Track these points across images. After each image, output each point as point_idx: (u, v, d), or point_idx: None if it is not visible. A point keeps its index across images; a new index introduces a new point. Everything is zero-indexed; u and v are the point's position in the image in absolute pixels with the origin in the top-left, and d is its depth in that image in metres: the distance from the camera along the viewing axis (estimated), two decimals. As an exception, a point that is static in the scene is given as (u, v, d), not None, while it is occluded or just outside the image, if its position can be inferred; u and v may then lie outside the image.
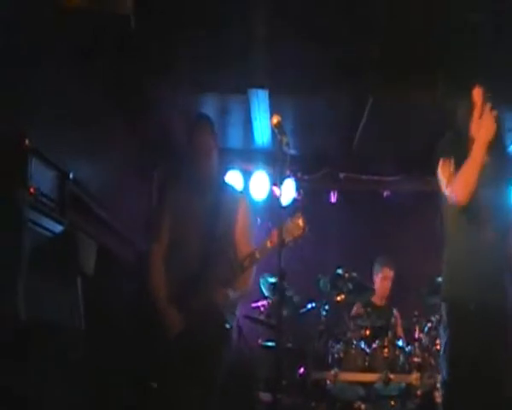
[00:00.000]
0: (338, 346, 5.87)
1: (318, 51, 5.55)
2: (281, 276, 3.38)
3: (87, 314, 3.67)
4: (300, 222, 3.83)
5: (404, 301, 6.80)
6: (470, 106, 3.92)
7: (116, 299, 4.99)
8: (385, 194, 7.70)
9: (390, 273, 6.83)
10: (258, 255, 3.93)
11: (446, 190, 3.89)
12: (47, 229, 3.50)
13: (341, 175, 7.59)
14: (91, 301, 3.82)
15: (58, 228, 3.61)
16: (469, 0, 5.11)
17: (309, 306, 6.00)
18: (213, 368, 3.99)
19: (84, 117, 4.95)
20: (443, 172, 3.92)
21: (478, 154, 3.76)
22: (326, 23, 5.36)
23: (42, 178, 3.50)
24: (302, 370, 5.90)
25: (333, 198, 7.67)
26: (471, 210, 3.81)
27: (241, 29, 5.38)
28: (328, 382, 5.73)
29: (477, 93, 3.90)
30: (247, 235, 4.22)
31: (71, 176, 3.86)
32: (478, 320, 3.70)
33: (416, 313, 6.19)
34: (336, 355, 5.82)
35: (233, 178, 7.19)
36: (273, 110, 6.10)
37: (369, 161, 7.57)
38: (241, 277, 4.00)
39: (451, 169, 3.87)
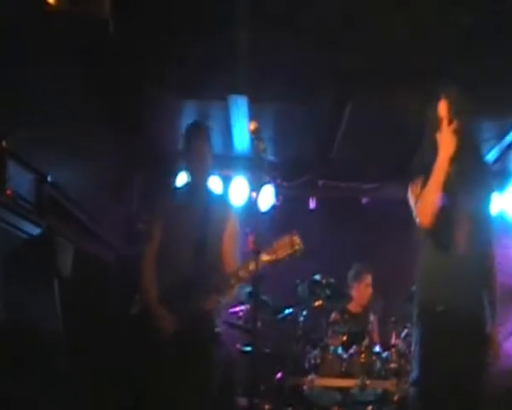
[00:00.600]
0: (315, 351, 5.88)
1: (297, 59, 5.59)
2: (256, 281, 3.40)
3: (65, 316, 3.68)
4: (297, 239, 3.90)
5: (380, 307, 6.82)
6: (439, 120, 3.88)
7: (95, 301, 4.99)
8: (364, 201, 7.73)
9: (369, 279, 6.84)
10: (241, 274, 3.95)
11: (413, 208, 3.91)
12: (24, 231, 3.51)
13: (320, 182, 7.62)
14: (69, 304, 3.82)
15: (36, 231, 3.61)
16: (453, 7, 5.16)
17: (287, 311, 6.00)
18: (207, 369, 4.05)
19: (63, 120, 4.94)
20: (411, 193, 3.95)
21: (438, 172, 3.74)
22: (307, 30, 5.39)
23: (19, 180, 3.51)
24: (279, 375, 5.91)
25: (312, 205, 7.70)
26: (443, 224, 3.79)
27: (222, 36, 5.39)
28: (305, 387, 5.74)
29: (442, 107, 3.86)
30: (232, 248, 4.28)
31: (49, 179, 3.86)
32: (446, 322, 3.72)
33: (393, 319, 6.23)
34: (313, 361, 5.83)
35: (212, 183, 7.19)
36: (252, 117, 6.11)
37: (348, 168, 7.60)
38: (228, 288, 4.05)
39: (418, 190, 3.86)
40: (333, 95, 6.12)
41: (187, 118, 6.67)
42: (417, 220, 3.86)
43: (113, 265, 5.85)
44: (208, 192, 4.42)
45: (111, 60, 5.46)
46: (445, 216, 3.78)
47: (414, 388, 3.89)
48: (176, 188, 4.55)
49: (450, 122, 3.77)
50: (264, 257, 3.84)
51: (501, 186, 7.62)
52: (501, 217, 7.59)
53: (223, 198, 4.58)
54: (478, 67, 5.42)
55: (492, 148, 7.07)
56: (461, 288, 3.76)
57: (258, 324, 5.79)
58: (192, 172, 4.36)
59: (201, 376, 4.01)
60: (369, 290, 6.84)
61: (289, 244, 3.88)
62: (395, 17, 5.20)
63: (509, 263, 7.73)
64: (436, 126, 3.86)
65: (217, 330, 4.21)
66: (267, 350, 6.05)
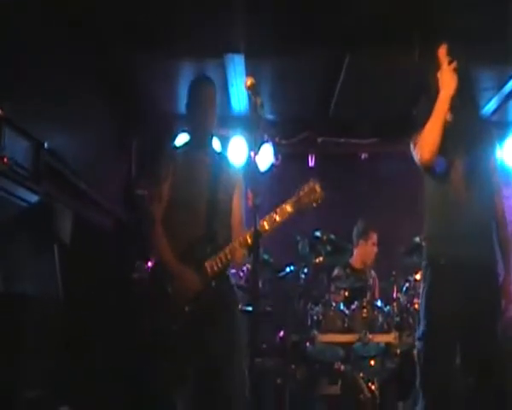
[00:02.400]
0: (317, 308, 5.91)
1: (294, 13, 5.54)
2: (255, 237, 3.38)
3: (66, 283, 3.68)
4: (317, 187, 3.87)
5: (381, 261, 6.85)
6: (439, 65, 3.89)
7: (96, 267, 4.99)
8: (363, 157, 7.71)
9: (375, 238, 6.84)
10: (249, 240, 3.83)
11: (413, 152, 3.95)
12: (22, 199, 3.51)
13: (319, 139, 7.60)
14: (70, 270, 3.82)
15: (33, 198, 3.61)
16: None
17: (287, 269, 6.01)
18: (235, 325, 3.98)
19: (61, 87, 4.92)
20: (413, 142, 3.99)
21: (439, 111, 3.78)
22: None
23: (16, 147, 3.49)
24: (282, 333, 5.94)
25: (311, 162, 7.68)
26: (447, 172, 3.86)
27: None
28: (307, 344, 5.77)
29: (442, 51, 3.87)
30: (241, 208, 4.21)
31: (46, 146, 3.84)
32: (452, 275, 3.76)
33: (394, 273, 6.24)
34: (315, 317, 5.85)
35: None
36: (249, 75, 6.06)
37: (346, 125, 7.58)
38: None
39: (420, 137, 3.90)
40: (329, 51, 6.06)
41: (182, 78, 6.64)
42: (418, 158, 3.89)
43: (113, 230, 5.85)
44: (214, 151, 4.35)
45: (103, 22, 5.42)
46: (445, 165, 3.84)
47: (420, 342, 3.95)
48: (178, 147, 4.44)
49: (450, 62, 3.79)
50: (288, 208, 3.83)
51: (500, 137, 7.59)
52: (501, 167, 7.56)
53: (227, 157, 4.43)
54: (476, 17, 5.37)
55: (491, 98, 7.03)
56: (466, 240, 3.79)
57: (259, 283, 5.86)
58: (196, 130, 4.25)
59: (231, 333, 3.93)
60: (375, 249, 6.84)
61: (311, 192, 3.85)
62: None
63: (508, 213, 7.78)
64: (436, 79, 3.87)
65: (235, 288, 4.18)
66: (269, 309, 6.08)
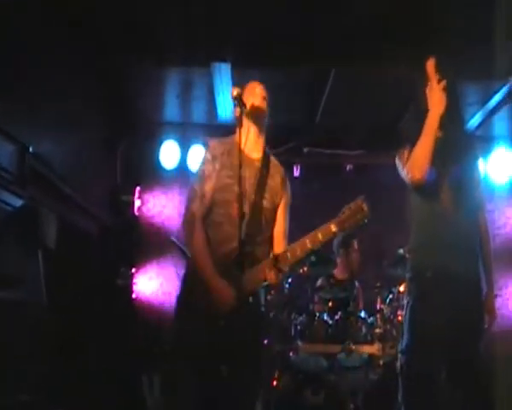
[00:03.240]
0: (301, 318, 5.93)
1: (281, 23, 5.56)
2: (241, 246, 3.34)
3: (50, 288, 3.64)
4: (364, 206, 3.64)
5: (365, 272, 6.86)
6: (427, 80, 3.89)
7: (80, 272, 4.94)
8: (348, 168, 7.72)
9: (356, 245, 6.83)
10: (299, 252, 3.61)
11: (403, 172, 3.89)
12: (6, 203, 3.48)
13: (305, 149, 7.61)
14: (54, 275, 3.79)
15: (18, 202, 3.58)
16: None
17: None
18: (260, 353, 3.82)
19: (47, 92, 4.90)
20: (399, 160, 3.95)
21: (429, 130, 3.75)
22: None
23: (1, 151, 3.48)
24: (266, 342, 5.91)
25: (296, 172, 7.68)
26: (433, 187, 3.84)
27: (203, 2, 5.36)
28: (291, 353, 5.79)
29: (430, 68, 3.86)
30: (285, 222, 3.92)
31: (31, 150, 3.82)
32: (436, 288, 3.74)
33: (378, 284, 6.25)
34: (299, 327, 5.87)
35: (197, 152, 7.17)
36: (236, 84, 6.07)
37: (332, 135, 7.58)
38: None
39: (406, 156, 3.86)
40: (315, 63, 6.08)
41: (169, 86, 6.64)
42: (409, 177, 3.82)
43: (98, 236, 5.81)
44: (265, 157, 3.98)
45: (94, 26, 5.42)
46: (433, 179, 3.81)
47: (403, 356, 3.90)
48: (226, 144, 3.95)
49: (439, 81, 3.79)
50: (333, 228, 3.64)
51: (484, 151, 7.64)
52: (484, 183, 7.62)
53: (280, 166, 4.04)
54: (463, 31, 5.41)
55: (476, 112, 7.08)
56: (452, 253, 3.79)
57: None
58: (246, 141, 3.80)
59: (256, 355, 3.73)
60: (357, 256, 6.82)
61: (357, 211, 3.63)
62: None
63: (492, 227, 7.84)
64: (424, 93, 3.87)
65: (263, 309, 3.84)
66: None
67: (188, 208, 3.79)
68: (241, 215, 3.55)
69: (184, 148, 7.32)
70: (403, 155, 3.92)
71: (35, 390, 3.40)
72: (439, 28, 5.37)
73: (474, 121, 7.25)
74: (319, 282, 6.56)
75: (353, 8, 5.42)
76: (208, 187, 3.76)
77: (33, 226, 3.64)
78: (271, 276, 3.56)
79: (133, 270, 6.47)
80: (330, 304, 6.10)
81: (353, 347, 5.71)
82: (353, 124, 7.35)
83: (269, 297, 5.68)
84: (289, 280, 5.99)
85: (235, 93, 3.44)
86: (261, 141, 3.97)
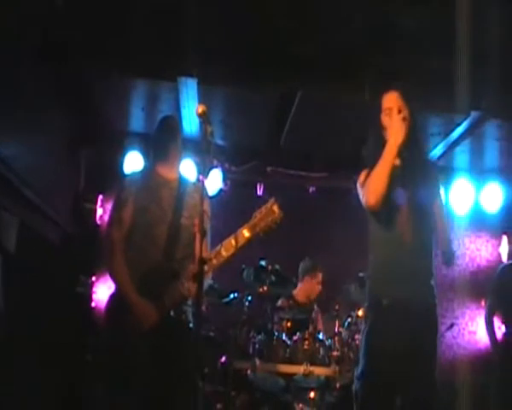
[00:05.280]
0: (260, 337, 5.89)
1: (249, 43, 5.58)
2: (200, 263, 3.33)
3: (8, 293, 3.57)
4: (275, 208, 3.74)
5: (324, 295, 6.87)
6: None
7: (40, 279, 4.87)
8: (311, 190, 7.75)
9: (321, 278, 6.88)
10: (215, 261, 3.79)
11: (359, 191, 3.97)
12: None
13: (268, 168, 7.62)
14: (13, 280, 3.71)
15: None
16: (402, 6, 5.21)
17: (232, 295, 5.97)
18: (188, 358, 3.79)
19: (12, 96, 4.84)
20: (360, 179, 4.00)
21: (387, 158, 3.79)
22: (257, 15, 5.38)
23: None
24: (224, 359, 5.88)
25: (259, 191, 7.69)
26: (389, 213, 3.87)
27: (172, 17, 5.36)
28: (249, 372, 5.74)
29: (391, 98, 3.94)
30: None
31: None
32: (393, 316, 3.76)
33: (337, 307, 6.26)
34: (258, 346, 5.83)
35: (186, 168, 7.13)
36: (202, 100, 6.08)
37: (296, 157, 7.61)
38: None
39: (365, 175, 3.94)
40: (279, 86, 6.10)
41: (136, 98, 6.61)
42: (364, 202, 3.89)
43: (59, 243, 5.74)
44: (181, 178, 4.25)
45: (60, 36, 5.37)
46: (391, 207, 3.84)
47: (358, 381, 3.91)
48: (141, 171, 4.40)
49: (399, 111, 3.84)
50: (246, 234, 3.74)
51: (445, 181, 7.74)
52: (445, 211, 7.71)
53: (197, 185, 4.16)
54: (425, 64, 5.49)
55: (438, 143, 7.18)
56: (409, 280, 3.79)
57: (203, 307, 5.79)
58: (162, 165, 4.17)
59: (184, 366, 3.79)
60: (319, 288, 6.88)
61: (269, 214, 3.73)
62: (342, 13, 5.26)
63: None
64: (382, 119, 3.94)
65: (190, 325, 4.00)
66: (212, 334, 6.04)
67: (106, 234, 4.03)
68: (161, 235, 3.90)
69: (147, 158, 7.26)
70: (362, 177, 3.97)
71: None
72: (406, 61, 5.45)
73: (436, 152, 7.35)
74: (279, 302, 6.55)
75: (320, 35, 5.48)
76: (126, 211, 3.97)
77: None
78: (190, 289, 3.70)
79: (93, 278, 6.42)
80: (289, 324, 6.07)
81: (311, 368, 5.69)
82: (317, 147, 7.38)
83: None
84: (249, 298, 5.98)
85: (200, 110, 3.43)
86: (177, 161, 4.22)
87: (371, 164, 3.88)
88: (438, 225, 3.97)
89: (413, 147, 3.94)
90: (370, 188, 3.82)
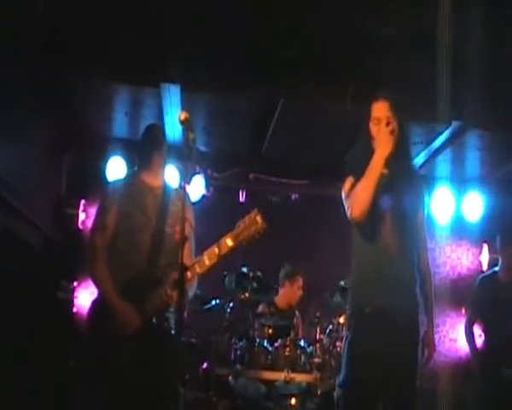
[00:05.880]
0: (241, 343, 5.88)
1: (231, 50, 5.59)
2: (181, 269, 3.33)
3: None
4: (258, 218, 3.81)
5: (306, 302, 6.88)
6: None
7: (20, 283, 4.84)
8: (293, 197, 7.76)
9: (301, 282, 6.90)
10: (198, 269, 3.84)
11: (344, 199, 3.94)
12: None
13: (251, 175, 7.63)
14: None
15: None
16: (384, 15, 5.25)
17: (213, 302, 5.96)
18: (170, 363, 3.82)
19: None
20: (345, 188, 3.97)
21: (374, 170, 3.77)
22: (241, 22, 5.40)
23: None
24: (205, 365, 5.87)
25: (242, 198, 7.70)
26: (373, 222, 3.85)
27: (155, 23, 5.36)
28: (230, 378, 5.74)
29: (381, 107, 3.92)
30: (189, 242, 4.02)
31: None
32: (375, 324, 3.74)
33: (318, 314, 6.27)
34: (239, 352, 5.81)
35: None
36: (185, 106, 6.10)
37: (279, 164, 7.62)
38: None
39: (350, 187, 3.90)
40: (261, 93, 6.12)
41: (119, 103, 6.60)
42: (349, 214, 3.86)
43: (40, 247, 5.71)
44: (166, 185, 4.31)
45: (41, 40, 5.36)
46: (375, 216, 3.82)
47: (340, 389, 3.92)
48: (125, 178, 4.44)
49: (388, 123, 3.83)
50: (229, 242, 3.78)
51: (427, 190, 7.78)
52: (427, 221, 7.75)
53: (179, 191, 4.25)
54: (407, 73, 5.53)
55: (420, 152, 7.22)
56: (391, 288, 3.79)
57: (185, 314, 5.79)
58: (146, 172, 4.25)
59: (166, 373, 3.81)
60: (300, 293, 6.90)
61: (252, 224, 3.79)
62: (325, 21, 5.29)
63: (432, 265, 7.97)
64: (370, 128, 3.93)
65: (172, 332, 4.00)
66: (193, 340, 6.03)
67: (89, 240, 4.09)
68: (144, 241, 3.96)
69: (131, 164, 7.25)
70: (347, 185, 3.94)
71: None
72: (387, 70, 5.48)
73: (418, 160, 7.39)
74: (260, 308, 6.56)
75: (303, 43, 5.51)
76: (110, 218, 4.02)
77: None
78: (173, 296, 3.72)
79: (75, 283, 6.40)
80: (270, 331, 6.07)
81: (292, 375, 5.69)
82: (300, 154, 7.40)
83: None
84: (231, 305, 5.97)
85: (182, 117, 3.44)
86: (161, 169, 4.31)
87: (357, 173, 3.86)
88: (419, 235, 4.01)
89: (400, 157, 3.92)
90: (355, 201, 3.80)
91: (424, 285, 4.03)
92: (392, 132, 3.82)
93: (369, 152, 3.86)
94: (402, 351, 3.74)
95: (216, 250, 3.81)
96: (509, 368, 5.90)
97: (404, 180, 3.94)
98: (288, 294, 6.87)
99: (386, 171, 3.84)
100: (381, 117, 3.89)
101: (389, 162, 3.83)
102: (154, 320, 3.88)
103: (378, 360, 3.68)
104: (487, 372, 6.08)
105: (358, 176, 3.83)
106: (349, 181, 3.94)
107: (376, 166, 3.77)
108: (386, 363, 3.69)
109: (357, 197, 3.79)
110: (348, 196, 3.90)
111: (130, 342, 3.81)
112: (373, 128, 3.92)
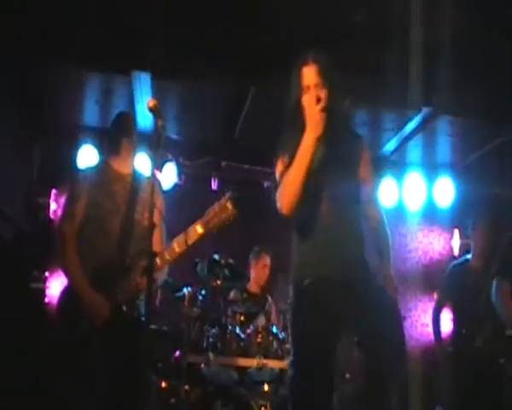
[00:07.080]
0: (213, 330, 5.90)
1: (203, 38, 5.58)
2: (150, 256, 3.33)
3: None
4: (228, 205, 3.70)
5: (278, 288, 6.90)
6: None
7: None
8: (266, 185, 7.77)
9: (268, 261, 6.92)
10: (168, 257, 3.82)
11: (276, 194, 3.60)
12: None
13: (223, 163, 7.63)
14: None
15: None
16: (356, 1, 5.27)
17: (185, 290, 5.96)
18: (141, 351, 3.73)
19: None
20: (278, 169, 3.67)
21: (302, 158, 3.40)
22: (212, 11, 5.39)
23: None
24: (177, 353, 5.86)
25: (214, 185, 7.69)
26: (309, 205, 3.51)
27: (126, 10, 5.34)
28: (202, 365, 5.74)
29: (309, 73, 3.53)
30: (159, 229, 3.97)
31: None
32: (315, 295, 3.46)
33: (289, 300, 6.27)
34: (211, 340, 5.84)
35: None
36: (156, 95, 6.08)
37: (251, 152, 7.61)
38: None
39: (282, 169, 3.59)
40: (232, 80, 6.12)
41: (90, 91, 6.57)
42: (278, 207, 3.56)
43: (11, 237, 5.68)
44: (135, 172, 4.29)
45: (9, 26, 5.32)
46: (310, 199, 3.50)
47: (291, 369, 3.64)
48: (94, 166, 4.41)
49: (317, 100, 3.39)
50: (199, 230, 3.74)
51: (398, 176, 7.84)
52: (398, 207, 7.82)
53: (150, 179, 4.07)
54: (377, 59, 5.55)
55: (391, 138, 7.27)
56: (335, 260, 3.50)
57: (157, 302, 5.80)
58: (115, 159, 4.24)
59: (137, 361, 3.73)
60: (267, 271, 6.92)
61: (222, 211, 3.69)
62: (296, 9, 5.30)
63: (404, 250, 8.05)
64: (300, 100, 3.55)
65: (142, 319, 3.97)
66: (165, 328, 6.01)
67: (58, 228, 4.07)
68: (113, 229, 3.95)
69: (102, 153, 7.22)
70: (279, 165, 3.66)
71: None
72: (358, 57, 5.49)
73: (389, 146, 7.45)
74: (231, 295, 6.57)
75: (274, 31, 5.51)
76: (79, 206, 4.01)
77: None
78: (142, 284, 3.69)
79: (46, 273, 6.38)
80: (242, 318, 6.10)
81: (264, 361, 5.72)
82: (272, 142, 7.39)
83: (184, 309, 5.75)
84: (203, 292, 5.97)
85: (150, 104, 3.42)
86: (131, 157, 4.27)
87: (290, 152, 3.50)
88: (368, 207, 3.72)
89: (335, 128, 3.51)
90: (284, 196, 3.50)
91: (378, 241, 3.71)
92: (323, 110, 3.38)
93: (301, 126, 3.48)
94: (344, 320, 3.47)
95: (185, 237, 3.77)
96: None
97: (341, 150, 3.58)
98: (255, 275, 6.89)
99: (322, 149, 3.49)
100: (310, 84, 3.53)
101: (325, 140, 3.47)
102: (124, 308, 3.88)
103: (323, 328, 3.42)
104: (458, 360, 6.04)
105: (291, 155, 3.49)
106: (281, 162, 3.65)
107: (305, 153, 3.39)
108: (329, 336, 3.46)
109: (285, 190, 3.49)
110: (280, 181, 3.59)
111: (100, 331, 3.81)
112: (304, 98, 3.52)
